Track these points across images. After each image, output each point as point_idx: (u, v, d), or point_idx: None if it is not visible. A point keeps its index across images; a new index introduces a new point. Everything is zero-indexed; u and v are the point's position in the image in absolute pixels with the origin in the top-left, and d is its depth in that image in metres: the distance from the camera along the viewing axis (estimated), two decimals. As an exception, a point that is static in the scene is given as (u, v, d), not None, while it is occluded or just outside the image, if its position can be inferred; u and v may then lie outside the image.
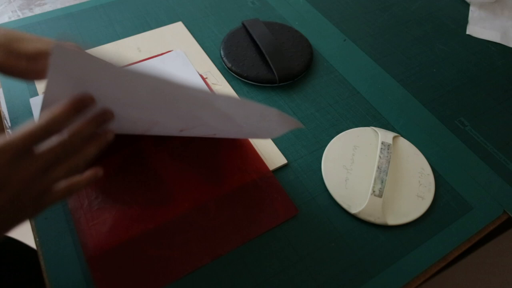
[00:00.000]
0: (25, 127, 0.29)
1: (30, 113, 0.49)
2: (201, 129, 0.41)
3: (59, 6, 0.65)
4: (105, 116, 0.33)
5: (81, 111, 0.31)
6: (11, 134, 0.28)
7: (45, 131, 0.29)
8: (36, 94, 0.51)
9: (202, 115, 0.36)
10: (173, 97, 0.32)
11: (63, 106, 0.30)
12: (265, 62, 0.55)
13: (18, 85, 0.52)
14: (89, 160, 0.33)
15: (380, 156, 0.46)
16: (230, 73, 0.55)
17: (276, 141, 0.48)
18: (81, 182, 0.35)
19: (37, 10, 0.65)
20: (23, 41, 0.40)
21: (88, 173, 0.35)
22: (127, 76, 0.28)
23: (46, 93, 0.30)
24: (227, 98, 0.32)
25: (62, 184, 0.33)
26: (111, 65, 0.27)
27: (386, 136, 0.48)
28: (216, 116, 0.36)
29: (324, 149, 0.47)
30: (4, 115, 0.50)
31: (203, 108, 0.34)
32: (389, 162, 0.45)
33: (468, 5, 0.69)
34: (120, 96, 0.31)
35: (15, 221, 0.32)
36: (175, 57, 0.55)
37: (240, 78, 0.54)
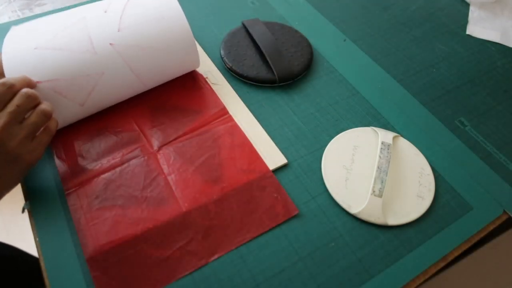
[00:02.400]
0: None
1: None
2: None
3: (59, 6, 0.64)
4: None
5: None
6: None
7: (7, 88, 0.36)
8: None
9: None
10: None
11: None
12: (265, 62, 0.55)
13: None
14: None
15: (380, 156, 0.46)
16: (230, 73, 0.55)
17: (276, 141, 0.48)
18: (52, 121, 0.41)
19: (37, 10, 0.64)
20: None
21: (43, 106, 0.39)
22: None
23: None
24: None
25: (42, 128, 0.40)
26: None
27: (386, 136, 0.48)
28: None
29: (324, 149, 0.47)
30: None
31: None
32: (389, 162, 0.45)
33: (468, 5, 0.69)
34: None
35: (17, 168, 0.38)
36: None
37: (240, 78, 0.54)
